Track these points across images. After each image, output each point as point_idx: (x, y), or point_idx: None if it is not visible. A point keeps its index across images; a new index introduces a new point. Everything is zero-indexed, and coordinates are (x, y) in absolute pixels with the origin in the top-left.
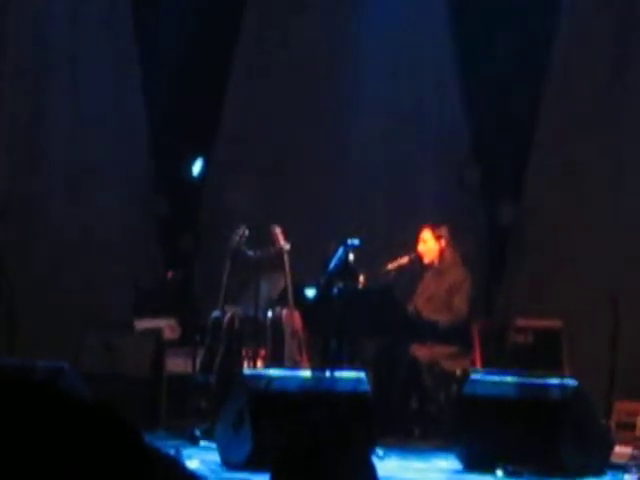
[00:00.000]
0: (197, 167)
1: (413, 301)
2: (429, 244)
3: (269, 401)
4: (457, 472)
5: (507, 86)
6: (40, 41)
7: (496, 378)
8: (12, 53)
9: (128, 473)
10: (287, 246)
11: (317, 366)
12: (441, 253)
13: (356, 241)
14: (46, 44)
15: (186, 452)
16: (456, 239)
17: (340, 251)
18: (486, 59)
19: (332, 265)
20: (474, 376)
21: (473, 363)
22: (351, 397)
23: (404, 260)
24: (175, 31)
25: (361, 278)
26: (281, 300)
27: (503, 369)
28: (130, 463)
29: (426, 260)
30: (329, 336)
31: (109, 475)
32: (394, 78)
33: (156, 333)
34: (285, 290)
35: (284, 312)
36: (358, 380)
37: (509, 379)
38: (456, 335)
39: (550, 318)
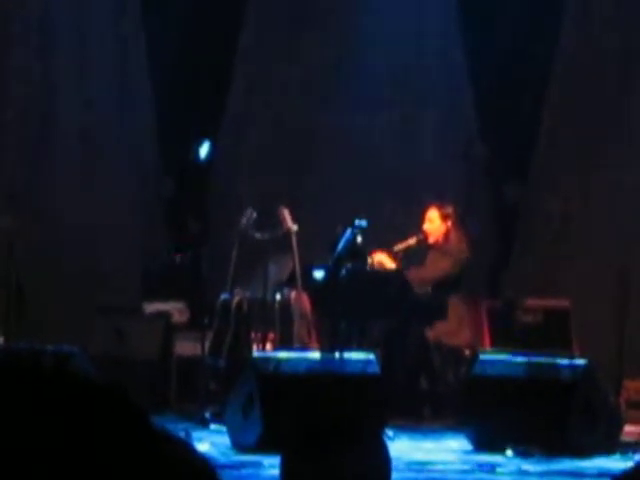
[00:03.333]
0: (204, 150)
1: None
2: (435, 223)
3: (279, 383)
4: (467, 452)
5: (514, 63)
6: (47, 24)
7: (505, 358)
8: (19, 37)
9: (137, 455)
10: (295, 228)
11: (326, 348)
12: (447, 233)
13: (364, 222)
14: (53, 27)
15: (196, 435)
16: (462, 219)
17: (348, 232)
18: (493, 35)
19: (340, 246)
20: (483, 356)
21: (480, 342)
22: (360, 378)
23: (412, 241)
24: (181, 14)
25: (369, 260)
26: (289, 282)
27: (512, 349)
28: (139, 445)
29: (431, 239)
30: (338, 318)
31: (118, 457)
32: (400, 58)
33: (165, 316)
34: (293, 272)
35: (293, 294)
36: (367, 361)
37: (518, 359)
38: (442, 309)
39: (559, 297)
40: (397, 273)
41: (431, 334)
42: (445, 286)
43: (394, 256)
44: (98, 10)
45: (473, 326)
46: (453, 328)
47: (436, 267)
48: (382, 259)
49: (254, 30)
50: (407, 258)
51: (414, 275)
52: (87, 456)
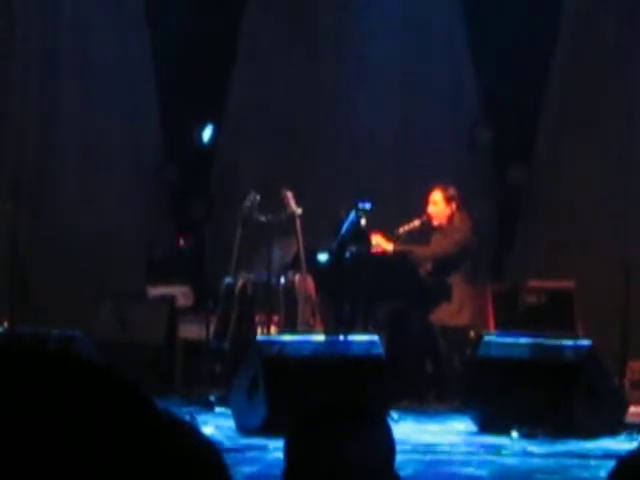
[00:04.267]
0: (207, 134)
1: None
2: (439, 206)
3: (283, 366)
4: (472, 434)
5: (517, 46)
6: (49, 10)
7: (510, 340)
8: (20, 22)
9: (141, 439)
10: (299, 211)
11: (331, 330)
12: (451, 216)
13: (367, 204)
14: (55, 12)
15: (201, 418)
16: (465, 201)
17: (352, 215)
18: (496, 20)
19: (344, 229)
20: (488, 338)
21: (485, 324)
22: (365, 361)
23: (416, 223)
24: None
25: (373, 241)
26: (294, 265)
27: (516, 331)
28: (143, 429)
29: (435, 222)
30: (342, 300)
31: (121, 441)
32: (403, 40)
33: (169, 300)
34: (297, 255)
35: (297, 277)
36: (372, 343)
37: (523, 341)
38: (446, 290)
39: (563, 279)
40: (402, 256)
41: (434, 316)
42: (446, 266)
43: (397, 238)
44: None
45: (475, 306)
46: (455, 308)
47: (438, 245)
48: (379, 241)
49: (257, 12)
50: (411, 240)
51: (415, 252)
52: (90, 440)
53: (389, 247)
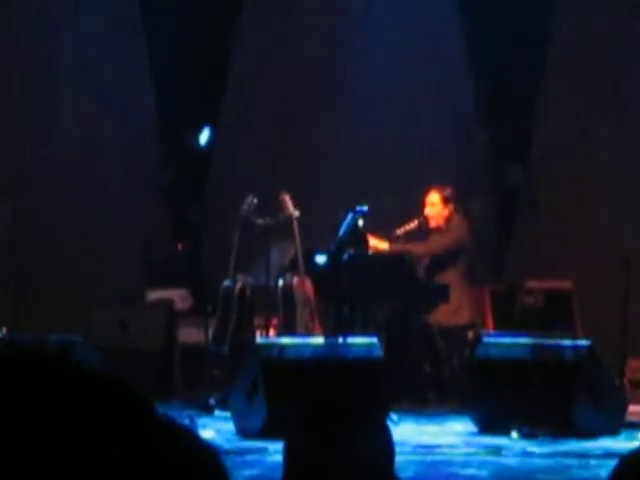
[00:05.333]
0: (204, 137)
1: (420, 264)
2: (437, 207)
3: (283, 369)
4: (472, 435)
5: (514, 46)
6: (45, 7)
7: (509, 340)
8: (16, 19)
9: (140, 444)
10: (296, 213)
11: (329, 333)
12: (449, 217)
13: (365, 207)
14: (52, 11)
15: (201, 422)
16: (463, 201)
17: (349, 217)
18: (493, 20)
19: (342, 231)
20: (487, 339)
21: (484, 324)
22: (364, 363)
23: (413, 224)
24: (180, 1)
25: (371, 243)
26: (292, 268)
27: (515, 331)
28: (142, 434)
29: (432, 224)
30: (341, 302)
31: (121, 446)
32: (400, 41)
33: (168, 304)
34: (295, 258)
35: (295, 280)
36: (371, 346)
37: (522, 341)
38: (445, 289)
39: (561, 279)
40: (399, 257)
41: (432, 316)
42: (442, 262)
43: (395, 240)
44: None
45: (474, 306)
46: (453, 308)
47: (435, 242)
48: (373, 242)
49: (252, 14)
50: (408, 242)
51: (412, 249)
52: (90, 445)
53: (384, 245)
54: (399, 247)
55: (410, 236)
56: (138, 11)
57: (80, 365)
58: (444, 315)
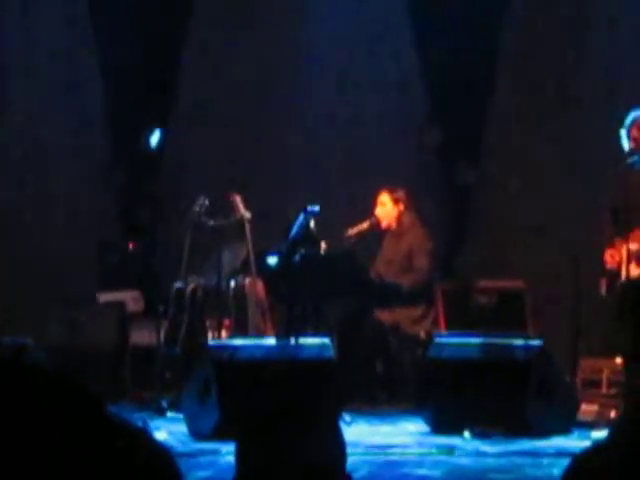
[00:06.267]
0: (155, 138)
1: (374, 266)
2: (387, 208)
3: (235, 370)
4: (425, 434)
5: (465, 45)
6: None
7: (460, 340)
8: None
9: (93, 444)
10: (248, 214)
11: (281, 334)
12: (399, 217)
13: (316, 207)
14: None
15: (153, 424)
16: (415, 202)
17: (301, 218)
18: (443, 16)
19: (293, 232)
20: (439, 339)
21: (436, 325)
22: (316, 363)
23: (364, 225)
24: (130, 1)
25: (323, 245)
26: (243, 269)
27: (467, 331)
28: (95, 435)
29: (384, 224)
30: (292, 303)
31: (74, 446)
32: (350, 43)
33: (119, 306)
34: (247, 259)
35: (247, 281)
36: (323, 346)
37: (473, 341)
38: (419, 297)
39: (513, 278)
40: (347, 254)
41: (389, 318)
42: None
43: (347, 240)
44: None
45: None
46: (418, 316)
47: (419, 268)
48: (356, 226)
49: (204, 16)
50: (361, 243)
51: (403, 283)
52: (42, 446)
53: (365, 225)
54: (393, 282)
55: (362, 237)
56: (87, 10)
57: (33, 368)
58: (406, 323)
